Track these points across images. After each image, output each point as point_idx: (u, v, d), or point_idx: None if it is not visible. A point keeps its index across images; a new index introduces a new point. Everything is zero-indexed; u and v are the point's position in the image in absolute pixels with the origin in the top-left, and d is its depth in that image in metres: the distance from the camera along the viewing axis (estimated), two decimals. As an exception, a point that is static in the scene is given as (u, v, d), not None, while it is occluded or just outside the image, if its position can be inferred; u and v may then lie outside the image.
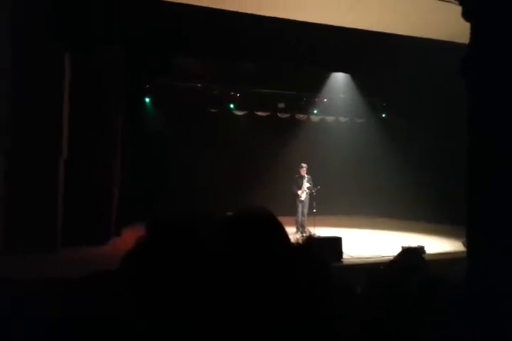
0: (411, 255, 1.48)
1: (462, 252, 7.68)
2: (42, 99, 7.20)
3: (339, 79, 13.14)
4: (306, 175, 10.00)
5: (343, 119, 14.20)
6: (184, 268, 0.56)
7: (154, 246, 0.60)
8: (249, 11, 8.56)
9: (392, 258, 1.60)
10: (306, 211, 9.96)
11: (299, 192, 9.92)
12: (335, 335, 0.62)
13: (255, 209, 0.69)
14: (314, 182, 10.00)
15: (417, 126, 12.08)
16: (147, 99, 11.78)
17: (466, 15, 3.36)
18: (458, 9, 3.63)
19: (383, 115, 13.95)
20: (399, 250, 1.69)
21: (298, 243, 0.74)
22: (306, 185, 9.92)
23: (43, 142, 7.20)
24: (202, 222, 0.65)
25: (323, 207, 10.48)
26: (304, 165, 10.06)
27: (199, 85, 11.91)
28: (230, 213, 0.77)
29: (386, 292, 1.35)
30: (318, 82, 12.93)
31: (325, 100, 13.55)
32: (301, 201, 9.94)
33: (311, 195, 9.96)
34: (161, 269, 0.56)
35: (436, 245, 8.16)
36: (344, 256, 6.92)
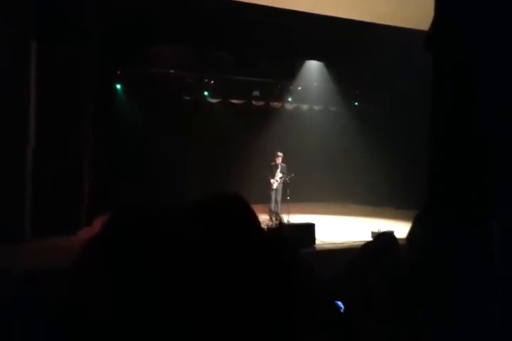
0: (384, 238, 1.52)
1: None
2: (6, 88, 6.99)
3: (313, 68, 13.17)
4: (281, 164, 10.04)
5: (316, 107, 14.27)
6: (148, 258, 0.53)
7: (117, 236, 0.57)
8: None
9: (363, 242, 1.64)
10: (279, 198, 10.02)
11: (272, 180, 9.96)
12: (311, 322, 0.62)
13: (227, 195, 0.67)
14: (289, 169, 10.05)
15: (389, 114, 12.26)
16: (118, 86, 11.54)
17: None
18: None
19: (356, 103, 14.09)
20: (369, 235, 1.73)
21: (269, 229, 0.74)
22: (279, 174, 9.96)
23: (8, 132, 7.00)
24: (171, 209, 0.62)
25: (297, 194, 10.56)
26: (279, 153, 10.08)
27: (172, 72, 11.74)
28: (201, 199, 0.74)
29: (359, 275, 1.37)
30: (292, 70, 12.93)
31: (299, 88, 13.57)
32: (274, 189, 9.99)
33: (284, 183, 10.01)
34: (123, 260, 0.53)
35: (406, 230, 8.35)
36: (317, 241, 7.04)
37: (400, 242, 1.72)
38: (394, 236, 1.59)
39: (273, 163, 10.07)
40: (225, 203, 0.62)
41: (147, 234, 0.54)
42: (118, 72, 11.11)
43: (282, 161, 10.06)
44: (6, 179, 6.95)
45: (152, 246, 0.53)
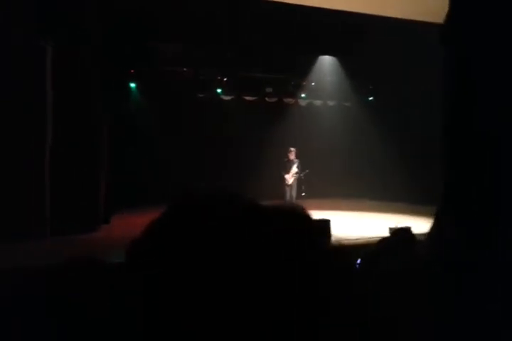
0: (402, 234, 1.50)
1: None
2: (25, 90, 7.10)
3: (326, 63, 13.08)
4: (294, 159, 10.01)
5: (330, 103, 14.18)
6: (209, 260, 0.50)
7: (174, 231, 0.53)
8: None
9: (379, 238, 1.62)
10: (294, 194, 10.00)
11: (287, 176, 9.94)
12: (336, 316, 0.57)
13: (289, 205, 0.61)
14: (303, 165, 10.02)
15: (404, 109, 12.13)
16: (133, 85, 11.62)
17: None
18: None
19: (370, 98, 13.96)
20: (386, 231, 1.71)
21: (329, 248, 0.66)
22: (294, 170, 9.93)
23: (27, 131, 7.10)
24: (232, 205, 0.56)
25: (312, 190, 10.53)
26: (292, 149, 10.06)
27: (185, 70, 11.77)
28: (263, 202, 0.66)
29: (377, 269, 1.36)
30: (305, 66, 12.86)
31: (312, 84, 13.50)
32: (289, 185, 9.97)
33: (299, 179, 9.99)
34: (178, 259, 0.50)
35: (424, 226, 8.28)
36: (332, 238, 7.00)
37: (418, 238, 1.70)
38: (411, 232, 1.57)
39: (286, 159, 10.05)
40: (285, 217, 0.56)
41: (210, 233, 0.51)
42: (131, 70, 11.19)
43: (296, 157, 10.03)
44: (25, 177, 7.06)
45: (213, 247, 0.50)
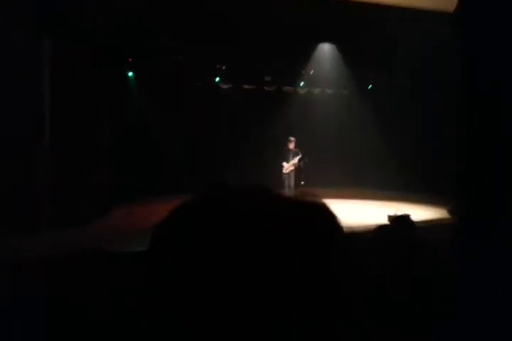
0: (401, 222, 1.51)
1: (448, 219, 7.87)
2: (24, 90, 7.07)
3: (325, 51, 12.97)
4: (294, 149, 10.01)
5: (329, 91, 14.11)
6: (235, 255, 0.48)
7: (202, 220, 0.50)
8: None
9: (378, 225, 1.62)
10: (292, 184, 10.03)
11: (285, 165, 9.95)
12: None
13: (311, 205, 0.57)
14: (302, 154, 10.02)
15: (405, 97, 12.09)
16: (130, 74, 11.54)
17: None
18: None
19: (369, 86, 13.89)
20: (385, 219, 1.71)
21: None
22: (293, 159, 9.94)
23: (23, 124, 7.08)
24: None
25: (312, 179, 10.54)
26: (292, 138, 10.05)
27: (182, 58, 11.67)
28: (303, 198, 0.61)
29: (375, 257, 1.37)
30: (304, 54, 12.75)
31: (311, 72, 13.42)
32: (286, 174, 9.99)
33: (298, 168, 10.00)
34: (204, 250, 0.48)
35: (421, 213, 8.32)
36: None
37: (418, 224, 1.71)
38: (411, 220, 1.58)
39: (286, 148, 10.05)
40: (308, 214, 0.53)
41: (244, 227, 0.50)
42: (129, 59, 11.09)
43: (295, 146, 10.03)
44: (22, 170, 7.05)
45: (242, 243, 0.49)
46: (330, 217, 0.55)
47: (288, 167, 9.95)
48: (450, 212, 7.72)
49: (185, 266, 0.47)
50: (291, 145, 9.99)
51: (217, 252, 0.46)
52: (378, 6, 9.16)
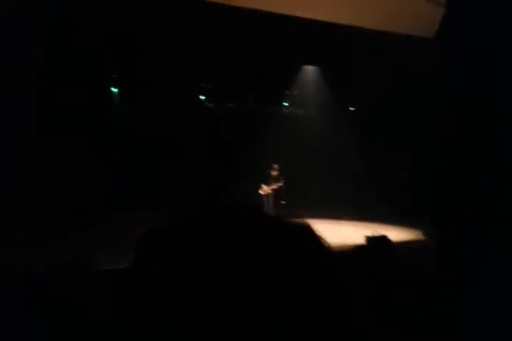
0: (380, 242, 1.52)
1: (424, 240, 7.93)
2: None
3: (309, 72, 13.22)
4: (276, 175, 10.28)
5: (312, 112, 14.30)
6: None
7: (190, 238, 0.51)
8: (222, 1, 8.48)
9: (355, 245, 1.61)
10: (271, 202, 10.23)
11: (264, 187, 10.12)
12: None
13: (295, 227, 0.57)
14: (281, 173, 10.23)
15: (386, 118, 12.30)
16: (115, 90, 11.51)
17: None
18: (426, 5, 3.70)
19: (351, 108, 14.13)
20: (362, 239, 1.71)
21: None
22: (273, 185, 10.18)
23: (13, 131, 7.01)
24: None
25: (292, 199, 10.62)
26: (275, 166, 10.40)
27: (169, 76, 11.70)
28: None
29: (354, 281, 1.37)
30: (289, 75, 12.96)
31: (295, 93, 13.63)
32: (265, 195, 10.20)
33: (278, 189, 10.22)
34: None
35: (396, 234, 8.39)
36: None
37: (396, 246, 1.72)
38: (390, 241, 1.59)
39: (268, 172, 10.31)
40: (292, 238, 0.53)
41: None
42: (114, 75, 11.08)
43: (278, 174, 10.28)
44: (18, 179, 6.95)
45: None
46: (315, 237, 0.56)
47: (266, 190, 10.20)
48: (426, 234, 7.81)
49: (168, 288, 0.47)
50: (274, 173, 10.27)
51: (207, 272, 0.46)
52: (362, 29, 9.40)
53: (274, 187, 10.20)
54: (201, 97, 12.57)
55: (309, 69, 13.13)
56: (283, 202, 9.93)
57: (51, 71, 7.66)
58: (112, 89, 11.43)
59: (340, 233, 8.91)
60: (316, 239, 0.57)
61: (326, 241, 0.59)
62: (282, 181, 10.19)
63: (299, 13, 8.93)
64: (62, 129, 7.90)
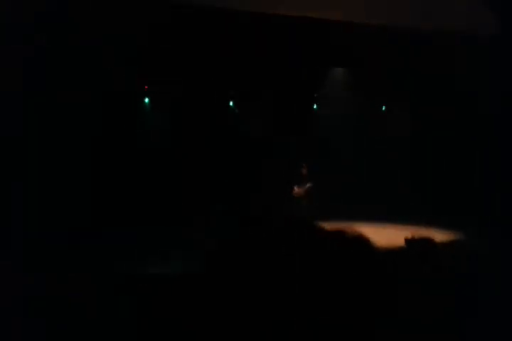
0: (422, 244, 1.52)
1: (467, 242, 7.73)
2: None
3: (339, 74, 13.19)
4: (307, 174, 10.27)
5: (341, 113, 14.17)
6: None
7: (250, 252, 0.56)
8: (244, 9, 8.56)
9: (400, 247, 1.60)
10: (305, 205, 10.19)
11: (296, 189, 10.17)
12: None
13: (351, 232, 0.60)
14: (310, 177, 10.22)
15: (418, 120, 12.10)
16: (146, 100, 11.77)
17: None
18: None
19: (383, 108, 13.92)
20: (402, 241, 1.70)
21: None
22: (304, 186, 10.13)
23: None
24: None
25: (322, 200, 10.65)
26: (304, 164, 10.35)
27: (193, 87, 11.83)
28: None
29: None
30: (316, 77, 12.92)
31: (324, 94, 13.59)
32: (298, 197, 10.16)
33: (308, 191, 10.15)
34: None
35: (439, 236, 8.20)
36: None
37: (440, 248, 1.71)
38: (433, 242, 1.58)
39: (299, 172, 10.31)
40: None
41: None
42: (145, 87, 11.37)
43: (307, 172, 10.24)
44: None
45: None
46: (368, 242, 0.59)
47: (298, 192, 10.16)
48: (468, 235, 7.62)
49: (239, 291, 0.50)
50: (304, 171, 10.18)
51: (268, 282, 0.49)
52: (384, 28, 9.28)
53: (305, 188, 10.19)
54: (230, 104, 12.67)
55: (339, 71, 13.10)
56: (315, 204, 9.95)
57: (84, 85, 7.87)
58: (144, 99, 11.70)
59: (389, 235, 8.78)
60: (371, 247, 0.60)
61: (377, 245, 0.62)
62: (311, 181, 10.23)
63: (330, 16, 8.91)
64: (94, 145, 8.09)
